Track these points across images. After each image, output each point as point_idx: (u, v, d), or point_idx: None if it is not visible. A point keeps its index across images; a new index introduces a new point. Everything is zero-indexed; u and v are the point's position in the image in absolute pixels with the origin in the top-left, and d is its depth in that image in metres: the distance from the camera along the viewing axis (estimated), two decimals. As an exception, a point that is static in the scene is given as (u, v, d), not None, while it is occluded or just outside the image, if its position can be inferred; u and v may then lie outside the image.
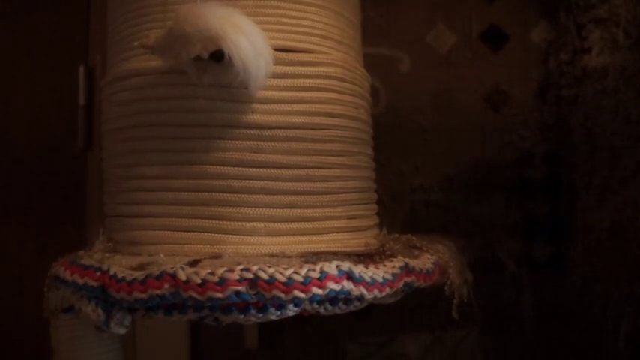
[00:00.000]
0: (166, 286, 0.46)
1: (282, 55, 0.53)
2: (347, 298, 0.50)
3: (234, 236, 0.52)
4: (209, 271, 0.46)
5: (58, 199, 0.96)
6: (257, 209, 0.52)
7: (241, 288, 0.46)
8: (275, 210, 0.52)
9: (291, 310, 0.49)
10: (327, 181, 0.55)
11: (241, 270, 0.46)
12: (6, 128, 0.98)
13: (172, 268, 0.47)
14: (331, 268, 0.48)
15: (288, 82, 0.54)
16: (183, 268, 0.47)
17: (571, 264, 0.93)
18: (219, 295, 0.46)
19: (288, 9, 0.54)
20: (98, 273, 0.50)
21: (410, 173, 0.96)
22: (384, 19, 0.97)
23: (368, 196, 0.60)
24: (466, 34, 0.98)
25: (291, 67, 0.54)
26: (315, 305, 0.50)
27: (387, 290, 0.51)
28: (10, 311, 0.94)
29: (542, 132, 0.96)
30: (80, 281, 0.50)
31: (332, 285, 0.47)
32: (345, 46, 0.59)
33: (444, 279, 0.59)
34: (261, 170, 0.52)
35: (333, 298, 0.50)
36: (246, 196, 0.52)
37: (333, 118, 0.56)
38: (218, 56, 0.47)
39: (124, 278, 0.48)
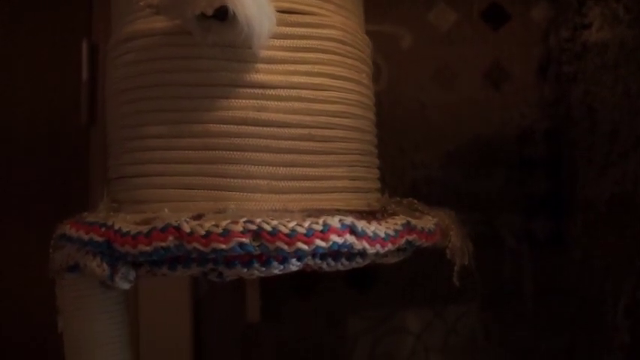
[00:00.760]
0: (170, 238, 0.47)
1: (285, 16, 0.54)
2: (349, 252, 0.51)
3: (238, 193, 0.52)
4: (213, 223, 0.47)
5: (60, 176, 0.97)
6: (260, 167, 0.52)
7: (245, 239, 0.46)
8: (277, 168, 0.53)
9: (294, 265, 0.50)
10: (329, 141, 0.55)
11: (245, 222, 0.47)
12: (7, 106, 0.98)
13: (177, 220, 0.47)
14: (334, 221, 0.48)
15: (290, 42, 0.54)
16: (187, 221, 0.47)
17: (571, 239, 0.94)
18: (223, 246, 0.46)
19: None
20: (103, 229, 0.50)
21: (411, 149, 0.96)
22: (385, -3, 0.98)
23: (370, 159, 0.61)
24: (467, 12, 0.98)
25: (292, 29, 0.54)
26: (318, 260, 0.51)
27: (389, 246, 0.51)
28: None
29: (542, 109, 0.97)
30: (85, 237, 0.51)
31: (335, 238, 0.48)
32: (346, 11, 0.59)
33: (445, 242, 0.59)
34: (264, 129, 0.53)
35: (335, 253, 0.50)
36: (249, 153, 0.52)
37: (336, 79, 0.56)
38: (222, 13, 0.48)
39: (128, 232, 0.49)
